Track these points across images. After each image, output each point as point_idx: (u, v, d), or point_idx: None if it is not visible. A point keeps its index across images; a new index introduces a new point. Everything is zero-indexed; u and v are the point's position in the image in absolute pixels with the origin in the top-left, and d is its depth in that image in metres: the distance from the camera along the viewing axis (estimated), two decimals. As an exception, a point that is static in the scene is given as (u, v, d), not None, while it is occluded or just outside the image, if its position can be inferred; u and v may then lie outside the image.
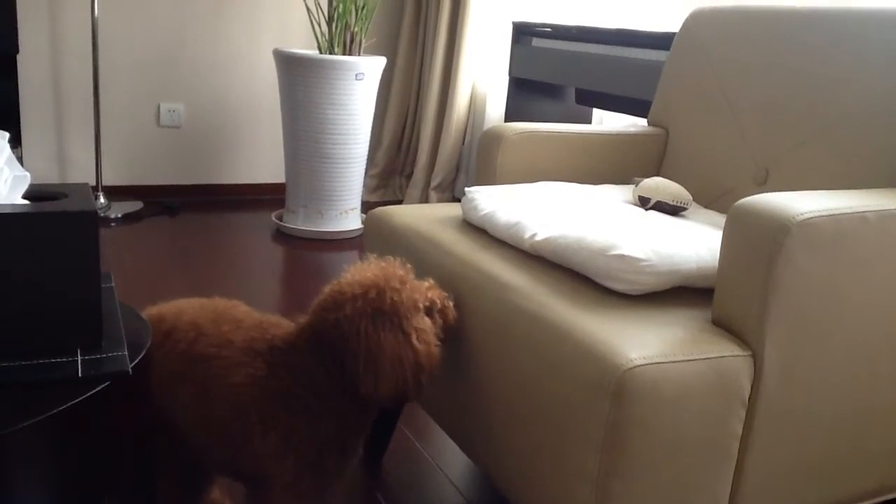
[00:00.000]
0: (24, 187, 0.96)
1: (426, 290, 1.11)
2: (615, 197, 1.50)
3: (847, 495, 1.15)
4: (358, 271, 1.10)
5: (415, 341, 1.05)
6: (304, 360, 1.09)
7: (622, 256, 1.07)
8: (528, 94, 3.12)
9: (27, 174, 0.96)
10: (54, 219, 0.88)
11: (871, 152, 1.33)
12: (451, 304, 1.15)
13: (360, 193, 3.31)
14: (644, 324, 1.00)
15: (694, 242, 1.15)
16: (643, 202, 1.44)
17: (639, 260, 1.07)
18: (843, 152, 1.38)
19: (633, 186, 1.54)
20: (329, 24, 3.16)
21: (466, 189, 1.44)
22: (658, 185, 1.43)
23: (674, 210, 1.42)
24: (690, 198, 1.45)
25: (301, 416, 1.08)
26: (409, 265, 1.12)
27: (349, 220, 3.27)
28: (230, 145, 3.73)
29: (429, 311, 1.11)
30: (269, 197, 3.82)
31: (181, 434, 1.15)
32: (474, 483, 1.59)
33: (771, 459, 1.04)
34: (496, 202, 1.36)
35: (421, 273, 1.32)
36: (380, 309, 1.05)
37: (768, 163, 1.51)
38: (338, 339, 1.06)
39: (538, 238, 1.21)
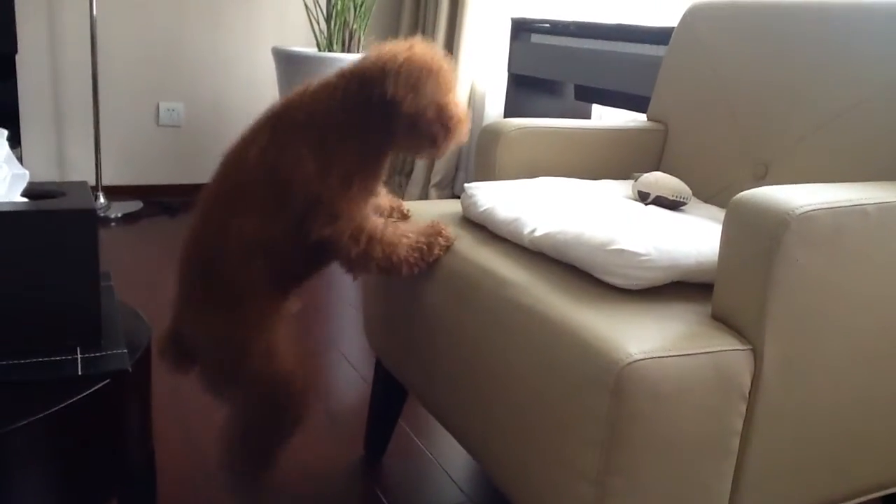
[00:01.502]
0: (22, 185, 0.96)
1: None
2: (615, 192, 1.50)
3: (847, 490, 1.15)
4: (412, 43, 1.18)
5: (450, 100, 1.17)
6: (337, 100, 1.19)
7: (621, 251, 1.07)
8: (527, 90, 3.11)
9: (26, 172, 0.96)
10: (53, 217, 0.88)
11: (871, 146, 1.33)
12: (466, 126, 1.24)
13: (360, 191, 3.30)
14: (643, 318, 1.00)
15: (693, 237, 1.15)
16: (642, 197, 1.44)
17: (638, 255, 1.07)
18: (842, 146, 1.37)
19: (632, 181, 1.53)
20: (328, 21, 3.16)
21: (466, 185, 1.44)
22: (658, 180, 1.43)
23: (673, 205, 1.42)
24: (690, 192, 1.44)
25: (324, 144, 1.17)
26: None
27: (349, 217, 3.27)
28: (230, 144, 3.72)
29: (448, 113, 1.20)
30: (268, 195, 3.82)
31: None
32: (474, 480, 1.59)
33: (771, 454, 1.04)
34: (495, 198, 1.36)
35: (420, 270, 1.31)
36: (428, 64, 1.16)
37: (767, 157, 1.50)
38: (388, 69, 1.15)
39: (538, 233, 1.21)
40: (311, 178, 1.16)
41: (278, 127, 1.19)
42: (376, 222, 1.22)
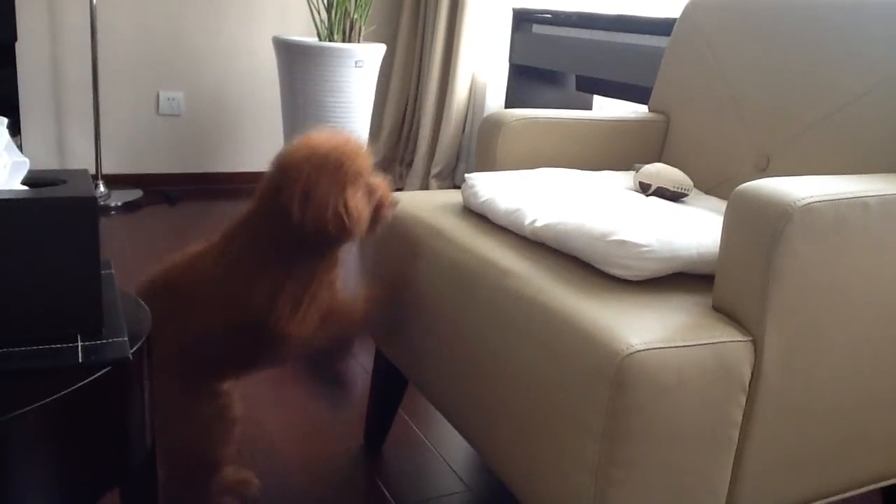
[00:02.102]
0: (23, 173, 0.95)
1: (371, 173, 1.22)
2: (616, 183, 1.50)
3: (846, 481, 1.16)
4: (316, 136, 1.20)
5: (346, 197, 1.17)
6: (256, 224, 1.22)
7: (622, 242, 1.07)
8: (528, 81, 3.11)
9: (26, 160, 0.96)
10: (54, 205, 0.88)
11: (873, 138, 1.33)
12: (391, 199, 1.26)
13: (360, 181, 3.30)
14: (644, 310, 1.00)
15: (695, 228, 1.14)
16: (644, 188, 1.43)
17: (639, 245, 1.07)
18: (844, 139, 1.37)
19: (633, 173, 1.53)
20: (328, 11, 3.15)
21: (466, 175, 1.44)
22: (659, 171, 1.43)
23: (674, 196, 1.42)
24: (691, 184, 1.44)
25: (275, 266, 1.21)
26: (364, 146, 1.23)
27: (349, 208, 3.27)
28: (230, 133, 3.72)
29: (369, 191, 1.22)
30: (268, 185, 3.81)
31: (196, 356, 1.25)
32: (474, 470, 1.59)
33: (771, 446, 1.04)
34: (496, 188, 1.36)
35: (421, 260, 1.31)
36: (324, 163, 1.16)
37: (769, 149, 1.50)
38: (282, 180, 1.17)
39: (538, 224, 1.21)
40: (263, 300, 1.20)
41: (232, 245, 1.24)
42: (317, 327, 1.26)
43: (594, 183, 1.46)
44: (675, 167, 1.55)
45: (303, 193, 1.15)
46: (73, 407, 0.82)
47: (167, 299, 1.23)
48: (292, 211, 1.15)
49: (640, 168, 1.47)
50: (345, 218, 1.16)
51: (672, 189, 1.42)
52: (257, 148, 3.78)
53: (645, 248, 1.07)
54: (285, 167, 1.18)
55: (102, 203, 3.24)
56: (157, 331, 1.17)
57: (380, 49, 3.15)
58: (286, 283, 1.20)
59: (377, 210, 1.25)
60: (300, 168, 1.16)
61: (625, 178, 1.55)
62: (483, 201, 1.36)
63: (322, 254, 1.23)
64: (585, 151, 1.71)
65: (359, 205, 1.19)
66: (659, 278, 1.11)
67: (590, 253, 1.12)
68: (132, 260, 2.66)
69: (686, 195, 1.43)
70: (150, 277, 1.28)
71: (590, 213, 1.17)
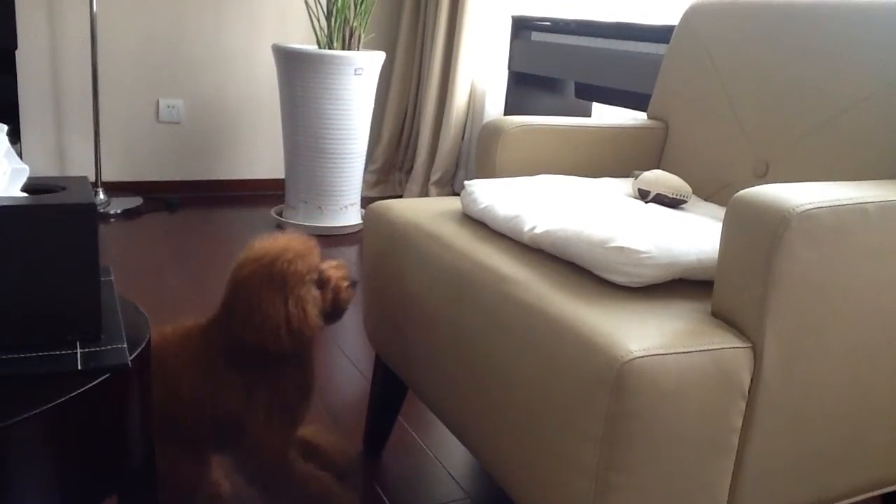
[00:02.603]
0: (22, 180, 0.95)
1: (321, 266, 1.27)
2: (615, 190, 1.50)
3: (846, 487, 1.15)
4: (264, 242, 1.26)
5: (291, 305, 1.21)
6: (221, 327, 1.26)
7: (621, 248, 1.07)
8: (527, 88, 3.11)
9: (26, 167, 0.96)
10: (53, 211, 0.88)
11: (872, 145, 1.33)
12: (346, 284, 1.30)
13: (360, 189, 3.31)
14: (643, 316, 1.00)
15: (694, 234, 1.15)
16: (642, 195, 1.44)
17: (638, 252, 1.07)
18: (843, 145, 1.37)
19: (632, 179, 1.53)
20: (328, 18, 3.16)
21: (466, 182, 1.44)
22: (658, 178, 1.43)
23: (673, 203, 1.42)
24: (690, 190, 1.44)
25: (239, 371, 1.26)
26: (313, 242, 1.27)
27: (349, 215, 3.27)
28: (229, 141, 3.72)
29: (321, 285, 1.27)
30: (268, 192, 3.82)
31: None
32: (474, 476, 1.59)
33: (770, 451, 1.04)
34: (495, 195, 1.36)
35: (421, 266, 1.31)
36: (269, 274, 1.21)
37: (768, 156, 1.50)
38: (232, 295, 1.24)
39: (537, 231, 1.21)
40: (240, 406, 1.26)
41: (204, 354, 1.27)
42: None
43: (593, 190, 1.46)
44: (674, 174, 1.55)
45: (244, 312, 1.21)
46: (73, 413, 0.82)
47: (157, 365, 1.27)
48: (235, 330, 1.22)
49: (638, 175, 1.47)
50: (283, 331, 1.20)
51: (671, 196, 1.42)
52: (257, 155, 3.79)
53: (644, 255, 1.07)
54: (233, 283, 1.24)
55: (102, 210, 3.24)
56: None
57: (379, 57, 3.15)
58: (256, 388, 1.26)
59: (335, 299, 1.29)
60: (244, 285, 1.22)
61: (624, 185, 1.55)
62: (482, 208, 1.36)
63: (282, 362, 1.28)
64: (584, 158, 1.72)
65: (306, 307, 1.22)
66: (658, 285, 1.11)
67: (589, 259, 1.12)
68: (132, 267, 2.66)
69: (685, 202, 1.44)
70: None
71: (589, 219, 1.17)
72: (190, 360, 1.26)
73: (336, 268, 1.30)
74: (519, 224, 1.26)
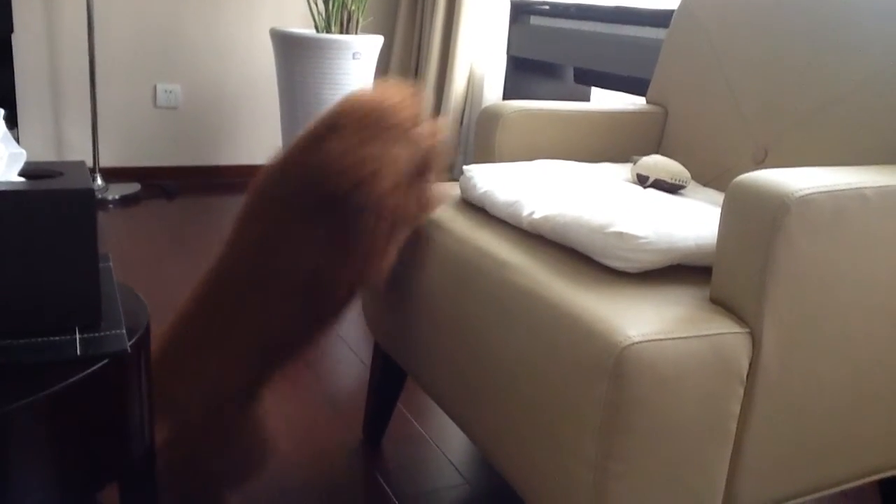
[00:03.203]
0: (19, 165, 0.95)
1: (417, 124, 1.18)
2: (614, 175, 1.50)
3: (844, 473, 1.16)
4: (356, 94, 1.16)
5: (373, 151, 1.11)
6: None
7: (620, 234, 1.07)
8: (526, 73, 3.10)
9: (23, 151, 0.95)
10: (51, 197, 0.88)
11: (871, 130, 1.33)
12: (441, 159, 1.22)
13: (358, 174, 3.30)
14: (642, 302, 1.00)
15: (693, 220, 1.14)
16: (641, 180, 1.43)
17: (637, 237, 1.07)
18: (842, 130, 1.37)
19: (631, 165, 1.53)
20: (326, 3, 3.14)
21: (465, 167, 1.44)
22: (657, 163, 1.43)
23: (672, 188, 1.42)
24: (689, 176, 1.44)
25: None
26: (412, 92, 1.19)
27: (347, 200, 3.26)
28: (227, 126, 3.71)
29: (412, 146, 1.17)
30: (266, 178, 3.81)
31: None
32: (474, 464, 1.59)
33: (769, 437, 1.04)
34: (495, 180, 1.36)
35: (422, 253, 1.31)
36: (366, 117, 1.12)
37: (767, 141, 1.50)
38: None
39: (536, 216, 1.21)
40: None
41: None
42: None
43: (592, 175, 1.46)
44: (673, 159, 1.55)
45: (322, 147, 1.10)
46: (72, 399, 0.82)
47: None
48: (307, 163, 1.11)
49: (637, 160, 1.47)
50: (353, 174, 1.09)
51: (669, 181, 1.42)
52: (255, 140, 3.78)
53: (643, 240, 1.07)
54: (334, 118, 1.13)
55: (100, 196, 3.23)
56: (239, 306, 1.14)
57: (377, 41, 3.14)
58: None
59: (423, 168, 1.18)
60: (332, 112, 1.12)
61: (623, 170, 1.55)
62: (482, 193, 1.36)
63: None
64: (583, 143, 1.71)
65: (385, 161, 1.10)
66: (657, 270, 1.11)
67: (588, 245, 1.12)
68: (130, 253, 2.66)
69: (684, 187, 1.43)
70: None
71: (588, 204, 1.17)
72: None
73: (433, 127, 1.22)
74: (518, 209, 1.26)
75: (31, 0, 3.23)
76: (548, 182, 1.34)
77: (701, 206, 1.27)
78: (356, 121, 1.11)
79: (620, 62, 2.49)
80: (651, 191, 1.37)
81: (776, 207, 0.96)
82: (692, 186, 1.50)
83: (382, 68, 3.81)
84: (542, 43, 2.87)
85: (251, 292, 1.16)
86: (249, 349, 1.18)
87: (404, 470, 1.56)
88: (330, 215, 1.13)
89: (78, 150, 3.45)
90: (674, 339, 0.93)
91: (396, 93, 1.15)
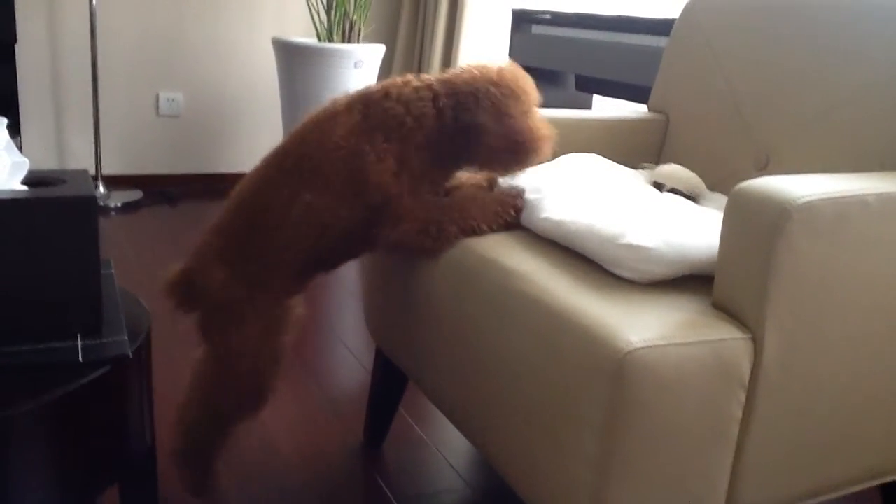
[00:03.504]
0: (23, 173, 0.96)
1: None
2: (633, 179, 1.48)
3: (845, 477, 1.16)
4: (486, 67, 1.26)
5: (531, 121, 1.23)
6: (419, 103, 1.22)
7: (630, 245, 1.07)
8: (527, 81, 3.10)
9: (26, 160, 0.96)
10: (54, 204, 0.88)
11: (873, 136, 1.33)
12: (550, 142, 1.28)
13: (360, 182, 3.30)
14: (645, 308, 1.00)
15: (705, 229, 1.14)
16: (657, 188, 1.43)
17: (648, 249, 1.06)
18: (844, 137, 1.37)
19: (640, 172, 1.53)
20: (328, 11, 3.15)
21: None
22: (673, 173, 1.43)
23: (687, 199, 1.41)
24: (704, 186, 1.44)
25: (407, 144, 1.21)
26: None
27: (349, 208, 3.27)
28: (229, 134, 3.72)
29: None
30: (268, 186, 3.81)
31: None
32: (474, 467, 1.59)
33: (770, 442, 1.04)
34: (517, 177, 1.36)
35: (424, 258, 1.31)
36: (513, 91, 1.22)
37: (769, 148, 1.50)
38: (472, 98, 1.21)
39: (549, 221, 1.21)
40: (389, 178, 1.19)
41: (370, 114, 1.21)
42: (441, 207, 1.26)
43: (613, 176, 1.44)
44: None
45: (498, 114, 1.19)
46: (74, 404, 0.82)
47: (297, 174, 1.21)
48: (486, 123, 1.19)
49: (645, 167, 1.47)
50: (529, 142, 1.21)
51: (685, 192, 1.41)
52: (257, 148, 3.78)
53: (654, 252, 1.06)
54: (481, 87, 1.21)
55: (102, 204, 3.24)
56: (281, 208, 1.18)
57: (379, 49, 3.15)
58: (424, 169, 1.22)
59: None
60: (498, 90, 1.21)
61: (639, 177, 1.54)
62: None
63: (477, 166, 1.28)
64: (585, 151, 1.71)
65: (541, 132, 1.22)
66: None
67: (599, 254, 1.11)
68: (132, 260, 2.66)
69: (700, 197, 1.43)
70: (283, 148, 1.26)
71: (602, 211, 1.17)
72: (346, 134, 1.21)
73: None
74: (533, 211, 1.26)
75: (34, 8, 3.24)
76: (568, 182, 1.33)
77: (714, 215, 1.26)
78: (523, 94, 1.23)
79: (622, 70, 2.50)
80: (668, 195, 1.36)
81: (778, 214, 0.96)
82: (707, 195, 1.49)
83: (384, 77, 3.82)
84: (544, 51, 2.88)
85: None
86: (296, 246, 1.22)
87: (405, 473, 1.56)
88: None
89: (80, 157, 3.45)
90: (676, 344, 0.93)
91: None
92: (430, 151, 1.22)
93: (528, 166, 1.26)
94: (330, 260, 1.28)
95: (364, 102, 1.22)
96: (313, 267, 1.27)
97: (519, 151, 1.22)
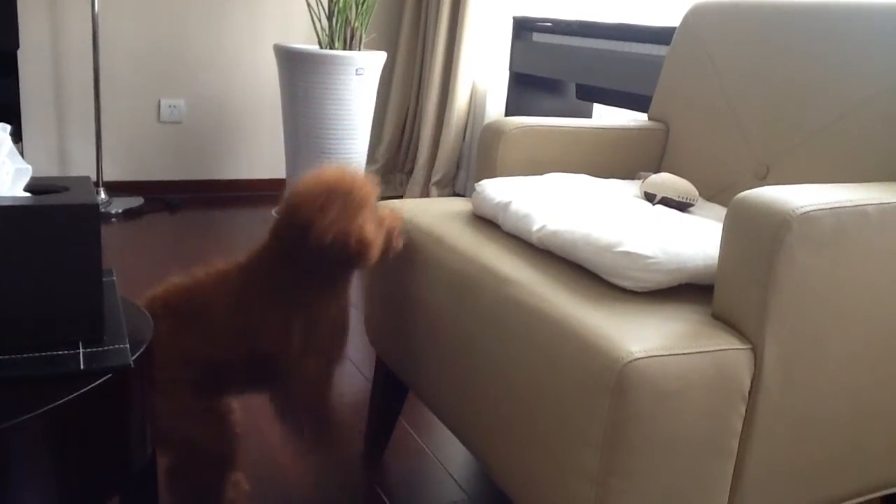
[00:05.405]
0: (25, 180, 0.96)
1: (377, 204, 1.27)
2: (624, 191, 1.50)
3: (846, 489, 1.16)
4: (317, 172, 1.24)
5: (361, 222, 1.21)
6: (271, 260, 1.25)
7: (628, 254, 1.07)
8: (528, 89, 3.11)
9: (29, 167, 0.96)
10: (56, 211, 0.88)
11: (872, 148, 1.33)
12: (398, 232, 1.30)
13: (361, 189, 3.30)
14: (645, 318, 1.01)
15: (701, 238, 1.14)
16: (649, 198, 1.44)
17: (646, 257, 1.07)
18: (843, 148, 1.38)
19: (638, 181, 1.53)
20: (329, 19, 3.16)
21: (476, 183, 1.45)
22: (664, 181, 1.43)
23: (680, 206, 1.42)
24: (697, 193, 1.44)
25: (287, 305, 1.24)
26: (367, 176, 1.27)
27: (350, 215, 3.27)
28: (231, 141, 3.73)
29: (378, 222, 1.26)
30: (269, 192, 3.82)
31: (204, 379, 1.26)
32: (475, 478, 1.59)
33: (771, 454, 1.04)
34: (507, 193, 1.36)
35: (423, 268, 1.32)
36: (335, 191, 1.20)
37: (769, 158, 1.51)
38: (295, 213, 1.21)
39: (545, 232, 1.21)
40: (285, 346, 1.24)
41: (243, 290, 1.25)
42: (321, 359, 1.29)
43: (603, 190, 1.46)
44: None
45: (320, 221, 1.18)
46: (75, 413, 0.82)
47: (175, 319, 1.25)
48: (311, 236, 1.17)
49: (644, 176, 1.47)
50: (358, 243, 1.19)
51: (677, 199, 1.42)
52: (258, 155, 3.79)
53: (651, 260, 1.07)
54: (297, 200, 1.21)
55: (104, 210, 3.24)
56: (163, 346, 1.19)
57: (380, 57, 3.15)
58: (294, 322, 1.24)
59: (387, 239, 1.28)
60: (313, 199, 1.19)
61: (632, 187, 1.55)
62: (494, 204, 1.36)
63: (333, 284, 1.27)
64: (585, 160, 1.72)
65: (372, 231, 1.22)
66: (663, 288, 1.11)
67: (596, 263, 1.12)
68: (134, 267, 2.66)
69: (692, 205, 1.43)
70: (153, 295, 1.30)
71: (597, 222, 1.17)
72: (228, 297, 1.25)
73: (391, 213, 1.31)
74: (528, 223, 1.26)
75: (36, 16, 3.25)
76: (559, 196, 1.34)
77: (709, 224, 1.27)
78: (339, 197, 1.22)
79: (622, 79, 2.50)
80: (660, 208, 1.37)
81: (778, 224, 0.97)
82: (700, 203, 1.50)
83: (385, 84, 3.83)
84: (545, 59, 2.89)
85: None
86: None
87: (405, 484, 1.55)
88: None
89: (82, 164, 3.46)
90: (676, 354, 0.93)
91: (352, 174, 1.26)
92: (303, 288, 1.25)
93: (348, 272, 1.27)
94: (237, 390, 1.32)
95: (241, 266, 1.29)
96: (221, 393, 1.31)
97: (340, 251, 1.21)
